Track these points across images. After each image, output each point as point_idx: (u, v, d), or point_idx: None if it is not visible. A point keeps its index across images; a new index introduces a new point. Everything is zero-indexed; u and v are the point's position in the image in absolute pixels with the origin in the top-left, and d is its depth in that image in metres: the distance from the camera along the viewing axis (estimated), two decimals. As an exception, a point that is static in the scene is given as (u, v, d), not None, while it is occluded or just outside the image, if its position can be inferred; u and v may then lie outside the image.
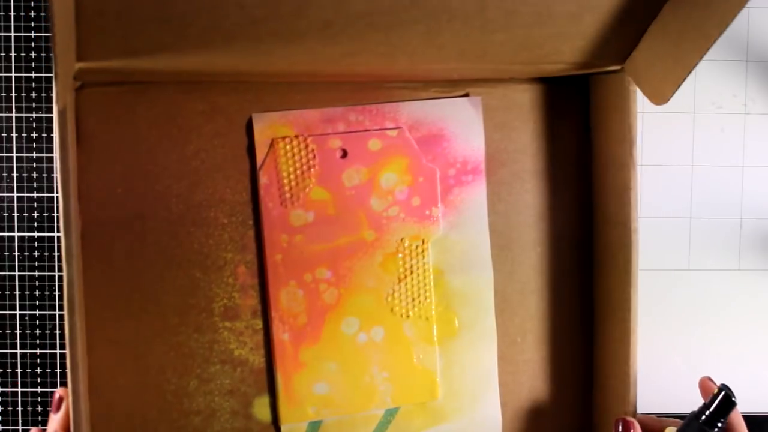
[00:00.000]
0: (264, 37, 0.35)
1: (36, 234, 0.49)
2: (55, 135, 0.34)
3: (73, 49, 0.35)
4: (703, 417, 0.37)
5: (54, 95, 0.33)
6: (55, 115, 0.34)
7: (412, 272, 0.42)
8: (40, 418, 0.49)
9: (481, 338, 0.43)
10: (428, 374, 0.43)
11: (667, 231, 0.51)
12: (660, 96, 0.38)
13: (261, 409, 0.42)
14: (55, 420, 0.36)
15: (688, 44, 0.36)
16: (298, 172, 0.41)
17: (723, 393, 0.36)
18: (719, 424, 0.36)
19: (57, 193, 0.36)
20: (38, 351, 0.49)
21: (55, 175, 0.50)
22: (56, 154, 0.35)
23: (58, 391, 0.36)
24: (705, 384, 0.39)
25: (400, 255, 0.42)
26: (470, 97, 0.43)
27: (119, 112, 0.40)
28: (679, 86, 0.37)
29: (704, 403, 0.37)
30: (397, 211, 0.42)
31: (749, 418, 0.50)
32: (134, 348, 0.41)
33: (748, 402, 0.51)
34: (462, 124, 0.43)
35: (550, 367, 0.44)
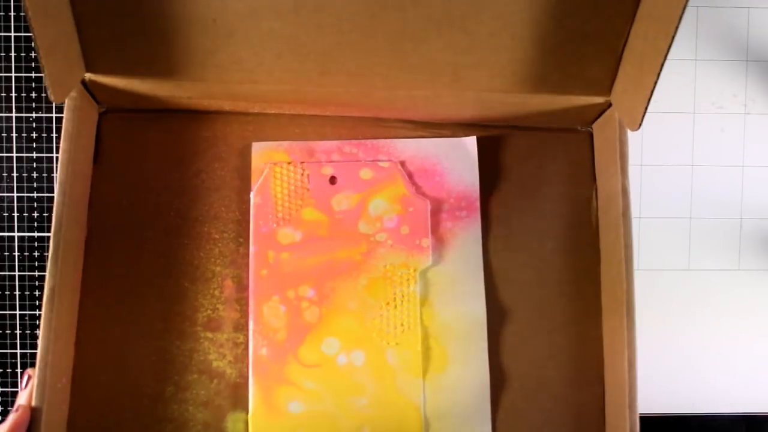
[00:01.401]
0: (245, 56, 0.39)
1: (36, 234, 0.49)
2: (63, 132, 0.38)
3: (78, 52, 0.38)
4: None
5: (50, 94, 0.36)
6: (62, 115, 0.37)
7: (395, 299, 0.42)
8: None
9: (473, 378, 0.42)
10: (412, 408, 0.42)
11: (667, 231, 0.51)
12: (633, 122, 0.38)
13: (234, 424, 0.42)
14: (23, 395, 0.37)
15: (647, 63, 0.36)
16: (292, 195, 0.43)
17: None
18: None
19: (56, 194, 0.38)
20: (38, 351, 0.49)
21: (55, 175, 0.50)
22: (61, 148, 0.38)
23: (27, 371, 0.37)
24: None
25: (386, 281, 0.42)
26: (465, 138, 0.43)
27: (135, 135, 0.43)
28: (646, 109, 0.37)
29: None
30: (385, 238, 0.42)
31: (749, 418, 0.50)
32: (119, 348, 0.42)
33: (748, 402, 0.51)
34: (456, 161, 0.43)
35: (554, 420, 0.43)
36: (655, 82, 0.35)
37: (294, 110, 0.43)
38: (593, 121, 0.44)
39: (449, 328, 0.42)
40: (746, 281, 0.51)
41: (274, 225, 0.42)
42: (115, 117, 0.43)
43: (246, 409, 0.42)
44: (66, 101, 0.38)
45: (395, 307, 0.42)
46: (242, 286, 0.43)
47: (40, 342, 0.37)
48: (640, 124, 0.38)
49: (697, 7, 0.50)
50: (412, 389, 0.42)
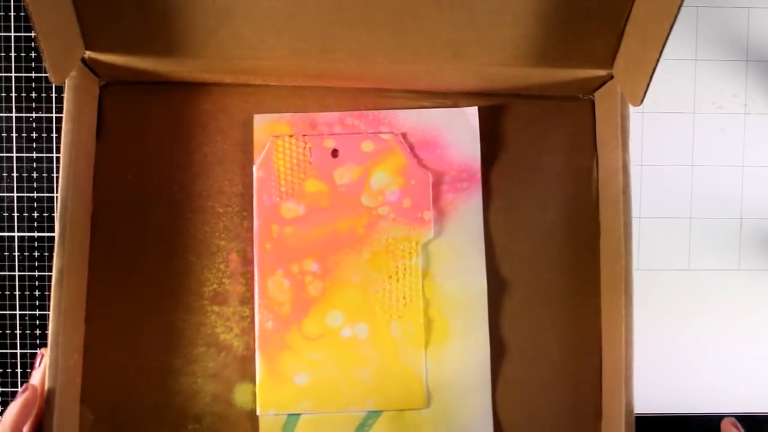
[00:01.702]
0: (245, 34, 0.39)
1: (36, 234, 0.49)
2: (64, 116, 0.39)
3: (77, 32, 0.39)
4: None
5: (50, 76, 0.36)
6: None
7: (398, 272, 0.43)
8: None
9: (473, 349, 0.43)
10: (414, 379, 0.43)
11: (667, 231, 0.51)
12: (635, 97, 0.38)
13: (242, 396, 0.43)
14: (36, 374, 0.38)
15: (650, 40, 0.36)
16: (295, 168, 0.43)
17: None
18: None
19: (56, 193, 0.37)
20: (38, 351, 0.49)
21: (54, 175, 0.50)
22: (64, 129, 0.38)
23: (41, 351, 0.39)
24: (726, 428, 0.37)
25: (388, 254, 0.43)
26: (466, 108, 0.44)
27: (136, 108, 0.43)
28: (648, 85, 0.37)
29: None
30: (387, 211, 0.43)
31: (749, 418, 0.50)
32: (127, 324, 0.42)
33: (748, 402, 0.51)
34: (458, 133, 0.44)
35: (552, 390, 0.44)
36: (658, 59, 0.35)
37: (295, 82, 0.44)
38: (595, 90, 0.44)
39: (450, 301, 0.43)
40: (746, 281, 0.51)
41: (277, 199, 0.43)
42: (116, 90, 0.43)
43: (253, 381, 0.43)
44: (66, 81, 0.39)
45: (397, 280, 0.43)
46: (247, 260, 0.43)
47: (50, 323, 0.37)
48: (642, 100, 0.38)
49: (697, 7, 0.50)
50: (414, 361, 0.43)
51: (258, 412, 0.42)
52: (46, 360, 0.37)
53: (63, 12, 0.37)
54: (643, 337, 0.51)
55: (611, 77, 0.41)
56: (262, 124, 0.43)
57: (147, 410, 0.42)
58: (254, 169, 0.43)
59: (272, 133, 0.43)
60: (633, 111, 0.50)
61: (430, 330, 0.43)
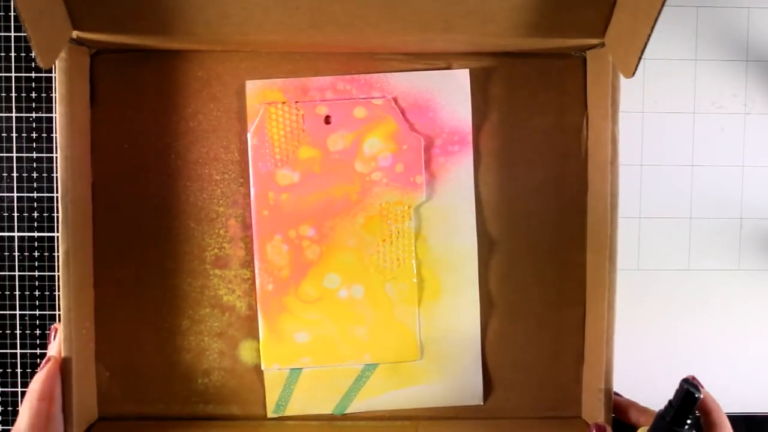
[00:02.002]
0: (233, 11, 0.40)
1: (36, 234, 0.49)
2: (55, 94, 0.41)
3: (64, 14, 0.39)
4: (669, 417, 0.35)
5: (39, 61, 0.37)
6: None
7: (391, 236, 0.44)
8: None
9: (464, 305, 0.45)
10: (408, 334, 0.45)
11: (667, 231, 0.51)
12: (627, 69, 0.39)
13: (247, 352, 0.45)
14: (52, 347, 0.41)
15: (641, 13, 0.37)
16: (288, 136, 0.44)
17: (685, 389, 0.35)
18: (688, 421, 0.35)
19: (57, 193, 0.38)
20: (38, 351, 0.49)
21: (55, 171, 0.50)
22: (58, 112, 0.40)
23: (54, 326, 0.41)
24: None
25: (382, 218, 0.44)
26: (458, 70, 0.45)
27: (128, 77, 0.44)
28: (640, 58, 0.38)
29: (669, 401, 0.36)
30: (380, 176, 0.44)
31: (749, 418, 0.50)
32: (134, 287, 0.45)
33: (748, 402, 0.51)
34: (449, 96, 0.45)
35: (536, 340, 0.45)
36: (649, 35, 0.36)
37: (286, 49, 0.44)
38: (587, 50, 0.44)
39: (442, 260, 0.45)
40: (746, 281, 0.51)
41: (272, 166, 0.44)
42: (107, 58, 0.44)
43: (257, 338, 0.45)
44: (56, 63, 0.40)
45: (391, 243, 0.44)
46: (246, 225, 0.45)
47: (61, 301, 0.40)
48: (634, 72, 0.39)
49: (697, 7, 0.50)
50: (408, 318, 0.45)
51: (262, 367, 0.45)
52: (60, 335, 0.40)
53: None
54: (643, 337, 0.51)
55: (603, 45, 0.42)
56: (254, 90, 0.44)
57: (159, 366, 0.45)
58: (248, 136, 0.44)
59: (264, 100, 0.44)
60: (633, 111, 0.50)
61: (422, 288, 0.45)
